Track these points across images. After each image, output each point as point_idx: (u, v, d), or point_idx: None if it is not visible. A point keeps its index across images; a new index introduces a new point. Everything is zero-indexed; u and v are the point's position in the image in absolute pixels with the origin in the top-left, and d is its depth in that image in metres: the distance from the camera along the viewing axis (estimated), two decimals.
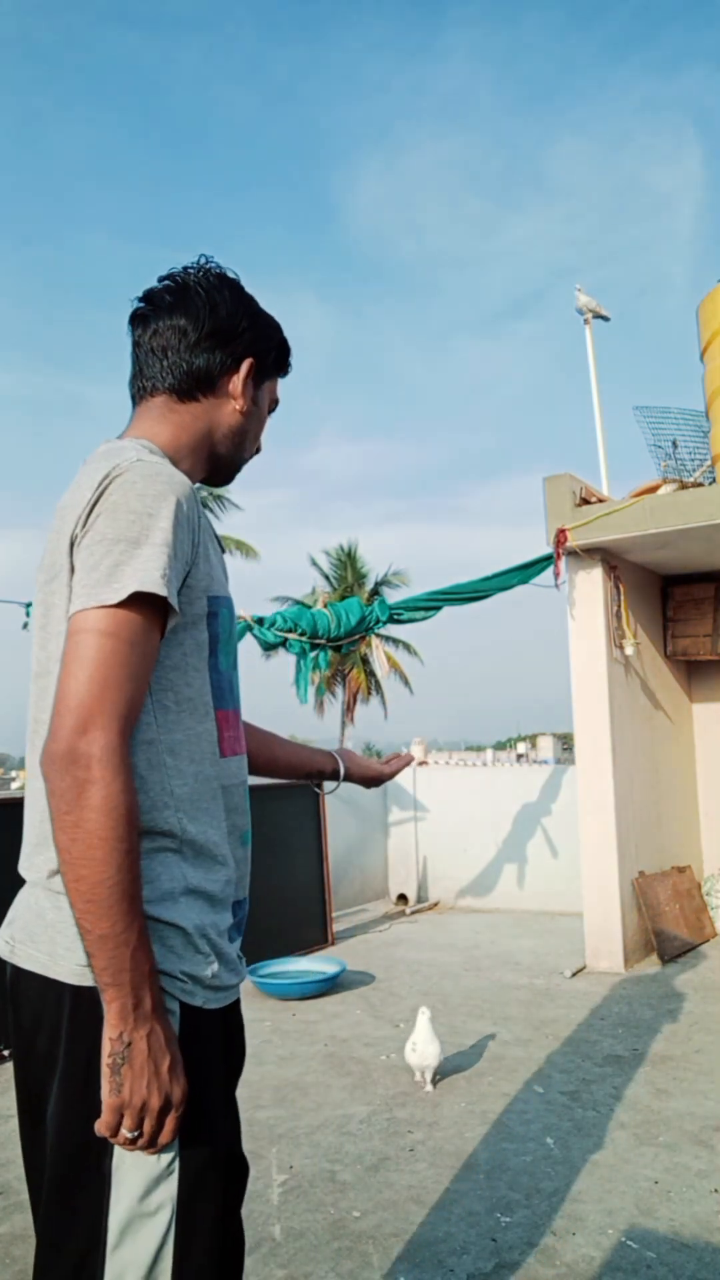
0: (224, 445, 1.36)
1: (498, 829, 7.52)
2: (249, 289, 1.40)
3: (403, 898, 7.48)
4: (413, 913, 7.22)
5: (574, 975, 5.16)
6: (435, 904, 7.55)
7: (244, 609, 5.66)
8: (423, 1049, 3.46)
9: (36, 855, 1.20)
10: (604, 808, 5.37)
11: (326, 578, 30.26)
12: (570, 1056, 3.82)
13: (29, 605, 5.71)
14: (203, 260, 1.35)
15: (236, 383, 1.34)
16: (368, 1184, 2.77)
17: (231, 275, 1.36)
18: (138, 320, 1.34)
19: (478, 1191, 2.70)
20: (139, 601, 1.09)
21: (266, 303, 1.42)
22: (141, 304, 1.35)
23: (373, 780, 1.74)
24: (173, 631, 1.19)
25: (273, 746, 1.61)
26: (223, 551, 1.35)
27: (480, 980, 5.13)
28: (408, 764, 1.76)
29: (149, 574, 1.09)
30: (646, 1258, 2.33)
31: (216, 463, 1.38)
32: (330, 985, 4.96)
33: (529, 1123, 3.17)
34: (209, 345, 1.31)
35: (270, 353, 1.38)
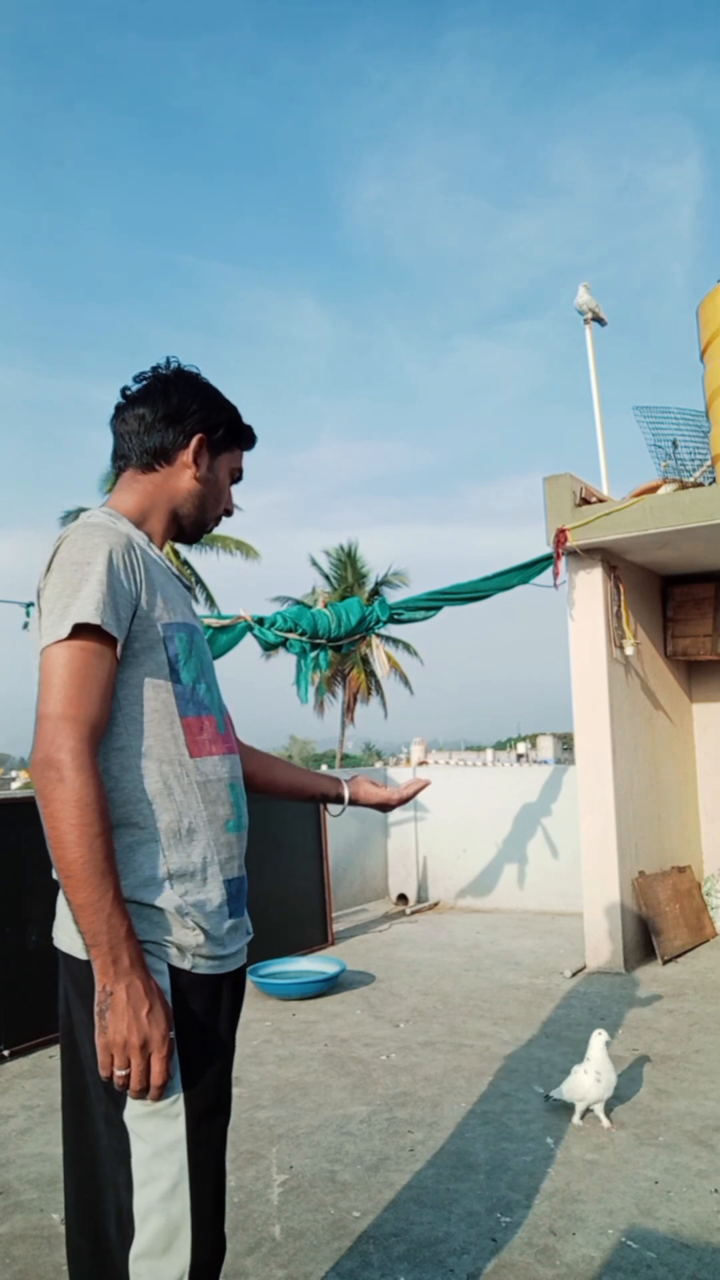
0: (184, 507, 1.60)
1: (498, 829, 7.51)
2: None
3: (403, 898, 7.48)
4: (413, 913, 7.22)
5: (574, 975, 5.16)
6: (435, 904, 7.55)
7: (244, 609, 5.66)
8: (607, 1078, 3.10)
9: None
10: (604, 808, 5.37)
11: (326, 578, 30.27)
12: (570, 1056, 3.82)
13: (29, 605, 5.71)
14: (168, 359, 1.62)
15: (188, 455, 1.58)
16: (368, 1184, 2.77)
17: (189, 369, 1.63)
18: (116, 411, 1.61)
19: (478, 1191, 2.70)
20: (84, 631, 1.34)
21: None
22: (120, 399, 1.61)
23: (382, 806, 1.91)
24: (134, 655, 1.42)
25: (273, 769, 1.82)
26: (189, 591, 1.61)
27: (480, 980, 5.13)
28: (421, 789, 1.92)
29: (85, 609, 1.34)
30: (646, 1258, 2.33)
31: (180, 522, 1.61)
32: (330, 985, 4.96)
33: (529, 1123, 3.17)
34: (162, 426, 1.57)
35: (219, 428, 1.61)
